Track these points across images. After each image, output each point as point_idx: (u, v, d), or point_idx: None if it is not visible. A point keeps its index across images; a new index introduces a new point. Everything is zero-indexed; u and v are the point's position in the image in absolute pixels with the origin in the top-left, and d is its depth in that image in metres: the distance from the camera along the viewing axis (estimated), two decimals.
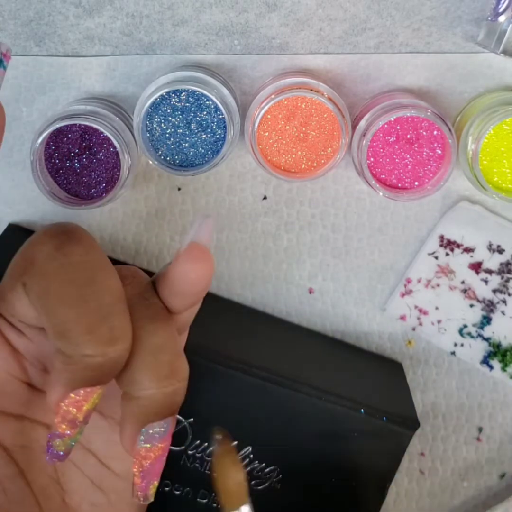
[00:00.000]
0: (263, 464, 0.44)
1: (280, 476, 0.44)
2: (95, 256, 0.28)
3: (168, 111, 0.43)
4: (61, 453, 0.29)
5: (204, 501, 0.44)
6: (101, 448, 0.33)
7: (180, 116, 0.43)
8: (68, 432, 0.29)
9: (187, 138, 0.43)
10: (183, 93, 0.43)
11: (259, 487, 0.44)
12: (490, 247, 0.48)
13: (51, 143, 0.44)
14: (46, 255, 0.28)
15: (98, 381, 0.28)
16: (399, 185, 0.44)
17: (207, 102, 0.43)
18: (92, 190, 0.45)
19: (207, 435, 0.43)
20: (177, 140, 0.43)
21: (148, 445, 0.29)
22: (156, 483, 0.30)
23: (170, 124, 0.43)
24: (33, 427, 0.32)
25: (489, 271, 0.49)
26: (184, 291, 0.29)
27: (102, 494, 0.33)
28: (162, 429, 0.29)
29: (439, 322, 0.50)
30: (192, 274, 0.29)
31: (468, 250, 0.49)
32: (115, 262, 0.40)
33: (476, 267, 0.49)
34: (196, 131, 0.43)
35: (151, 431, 0.29)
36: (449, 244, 0.49)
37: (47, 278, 0.27)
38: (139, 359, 0.28)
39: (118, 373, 0.29)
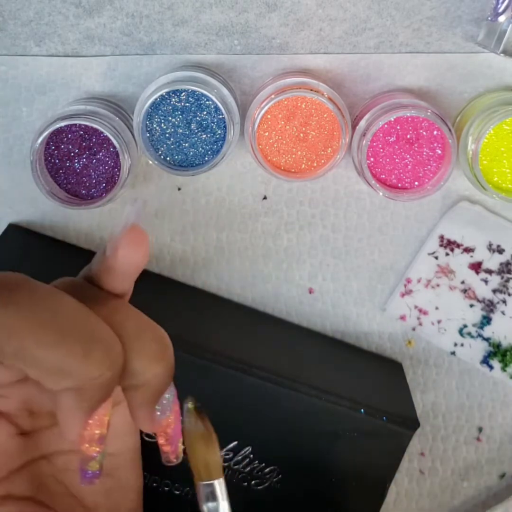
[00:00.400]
0: (263, 464, 0.44)
1: (280, 476, 0.44)
2: (42, 290, 0.27)
3: (168, 111, 0.43)
4: (97, 471, 0.30)
5: None
6: None
7: (180, 116, 0.43)
8: (98, 449, 0.30)
9: (187, 138, 0.43)
10: (183, 93, 0.43)
11: (259, 487, 0.44)
12: (490, 247, 0.48)
13: (51, 143, 0.44)
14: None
15: (111, 392, 0.29)
16: (399, 185, 0.44)
17: (207, 102, 0.43)
18: (92, 190, 0.45)
19: None
20: (177, 140, 0.43)
21: (164, 416, 0.31)
22: (181, 440, 0.32)
23: (170, 124, 0.43)
24: (39, 464, 0.33)
25: (489, 271, 0.49)
26: (130, 272, 0.30)
27: (109, 478, 0.35)
28: (170, 395, 0.30)
29: (439, 322, 0.50)
30: (135, 256, 0.30)
31: (468, 250, 0.49)
32: None
33: (476, 267, 0.49)
34: (196, 131, 0.43)
35: (163, 403, 0.30)
36: (449, 244, 0.49)
37: (15, 335, 0.26)
38: (129, 350, 0.29)
39: None
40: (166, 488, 0.44)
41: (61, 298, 0.28)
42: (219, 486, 0.33)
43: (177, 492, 0.44)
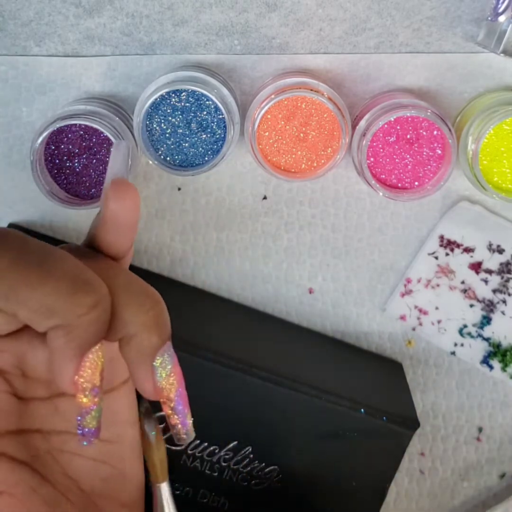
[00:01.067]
0: (263, 464, 0.44)
1: (280, 476, 0.44)
2: (33, 241, 0.29)
3: (168, 111, 0.43)
4: (94, 429, 0.30)
5: (204, 501, 0.44)
6: None
7: (180, 116, 0.43)
8: (93, 403, 0.29)
9: (187, 138, 0.43)
10: (183, 93, 0.43)
11: (259, 487, 0.44)
12: (490, 247, 0.48)
13: (51, 143, 0.44)
14: None
15: (100, 334, 0.29)
16: (399, 185, 0.44)
17: (207, 102, 0.43)
18: (92, 190, 0.45)
19: (207, 435, 0.43)
20: (177, 140, 0.43)
21: (164, 374, 0.30)
22: (189, 414, 0.31)
23: (170, 124, 0.43)
24: (34, 437, 0.33)
25: (489, 271, 0.49)
26: (122, 225, 0.31)
27: (107, 466, 0.34)
28: (168, 355, 0.30)
29: (439, 322, 0.50)
30: (123, 207, 0.31)
31: (468, 250, 0.49)
32: None
33: (476, 267, 0.49)
34: (196, 131, 0.43)
35: (160, 359, 0.30)
36: (449, 244, 0.49)
37: (3, 277, 0.28)
38: (117, 301, 0.30)
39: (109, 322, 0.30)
40: None
41: (52, 248, 0.29)
42: (168, 487, 0.34)
43: (177, 492, 0.44)
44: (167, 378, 0.30)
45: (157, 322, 0.30)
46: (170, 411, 0.31)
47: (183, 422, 0.31)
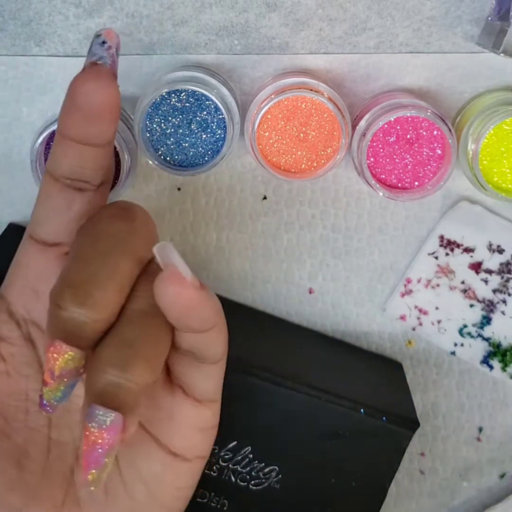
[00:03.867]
0: (263, 464, 0.44)
1: (280, 476, 0.44)
2: (130, 236, 0.31)
3: (168, 111, 0.43)
4: (45, 402, 0.30)
5: (204, 501, 0.44)
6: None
7: (180, 116, 0.43)
8: (50, 382, 0.30)
9: (187, 138, 0.43)
10: (183, 93, 0.43)
11: (259, 487, 0.44)
12: (490, 247, 0.48)
13: (51, 143, 0.44)
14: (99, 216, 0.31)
15: (69, 340, 0.29)
16: (399, 185, 0.44)
17: (207, 102, 0.43)
18: None
19: None
20: (177, 140, 0.43)
21: (94, 426, 0.29)
22: (97, 471, 0.29)
23: (170, 124, 0.43)
24: None
25: (489, 271, 0.49)
26: (95, 113, 0.32)
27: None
28: (106, 418, 0.29)
29: (439, 322, 0.50)
30: (94, 90, 0.32)
31: (468, 250, 0.49)
32: None
33: (476, 267, 0.49)
34: (196, 131, 0.43)
35: (97, 413, 0.29)
36: (449, 244, 0.49)
37: (81, 232, 0.31)
38: (107, 340, 0.30)
39: (89, 344, 0.30)
40: None
41: (128, 255, 0.31)
42: None
43: None
44: (94, 431, 0.29)
45: (116, 392, 0.29)
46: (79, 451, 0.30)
47: (85, 469, 0.30)
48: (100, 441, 0.29)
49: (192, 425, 0.34)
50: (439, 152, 0.44)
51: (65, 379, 0.30)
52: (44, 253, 0.33)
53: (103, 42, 0.32)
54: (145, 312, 0.30)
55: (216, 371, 0.34)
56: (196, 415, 0.34)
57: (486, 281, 0.49)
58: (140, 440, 0.34)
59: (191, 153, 0.44)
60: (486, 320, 0.50)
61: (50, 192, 0.33)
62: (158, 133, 0.43)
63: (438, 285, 0.49)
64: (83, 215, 0.33)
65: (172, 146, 0.44)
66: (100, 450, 0.29)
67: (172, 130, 0.43)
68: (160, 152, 0.44)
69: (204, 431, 0.35)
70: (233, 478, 0.44)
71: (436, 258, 0.49)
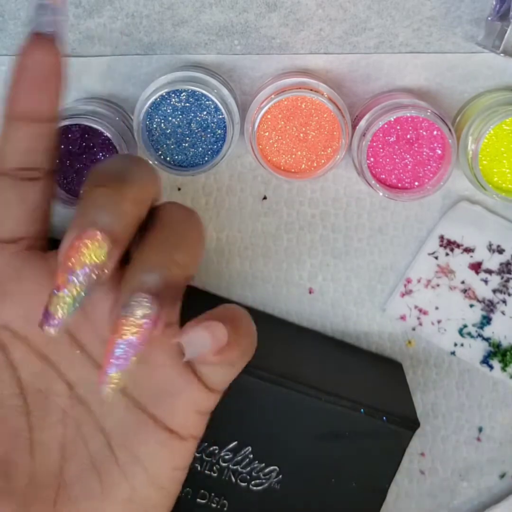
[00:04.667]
0: (263, 464, 0.44)
1: (280, 476, 0.44)
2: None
3: (168, 111, 0.43)
4: (51, 312, 0.29)
5: (204, 501, 0.44)
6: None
7: (180, 116, 0.43)
8: (64, 285, 0.29)
9: (187, 138, 0.43)
10: (183, 93, 0.43)
11: (259, 488, 0.44)
12: (490, 247, 0.48)
13: None
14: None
15: (105, 229, 0.29)
16: (399, 185, 0.44)
17: (207, 102, 0.43)
18: None
19: (206, 436, 0.43)
20: (177, 140, 0.43)
21: (139, 313, 0.29)
22: (119, 373, 0.29)
23: (170, 124, 0.43)
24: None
25: (489, 271, 0.49)
26: (41, 79, 0.31)
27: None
28: (147, 305, 0.29)
29: (439, 322, 0.50)
30: (38, 60, 0.31)
31: (468, 250, 0.49)
32: None
33: (476, 267, 0.49)
34: (196, 131, 0.43)
35: (139, 301, 0.29)
36: (449, 244, 0.49)
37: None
38: (147, 241, 0.31)
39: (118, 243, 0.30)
40: None
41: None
42: None
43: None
44: (134, 321, 0.28)
45: (173, 276, 0.31)
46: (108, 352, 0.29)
47: (107, 369, 0.29)
48: (135, 331, 0.28)
49: (193, 406, 0.34)
50: (439, 152, 0.44)
51: (84, 281, 0.28)
52: (2, 251, 0.33)
53: (43, 7, 0.31)
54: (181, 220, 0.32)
55: (238, 370, 0.35)
56: (201, 399, 0.34)
57: (486, 281, 0.49)
58: (136, 420, 0.34)
59: (191, 153, 0.44)
60: (486, 320, 0.50)
61: (1, 189, 0.32)
62: (158, 133, 0.43)
63: (438, 285, 0.49)
64: (38, 207, 0.33)
65: (172, 146, 0.44)
66: (131, 345, 0.29)
67: (172, 130, 0.43)
68: (160, 152, 0.44)
69: (202, 414, 0.35)
70: (233, 479, 0.44)
71: (436, 258, 0.49)
